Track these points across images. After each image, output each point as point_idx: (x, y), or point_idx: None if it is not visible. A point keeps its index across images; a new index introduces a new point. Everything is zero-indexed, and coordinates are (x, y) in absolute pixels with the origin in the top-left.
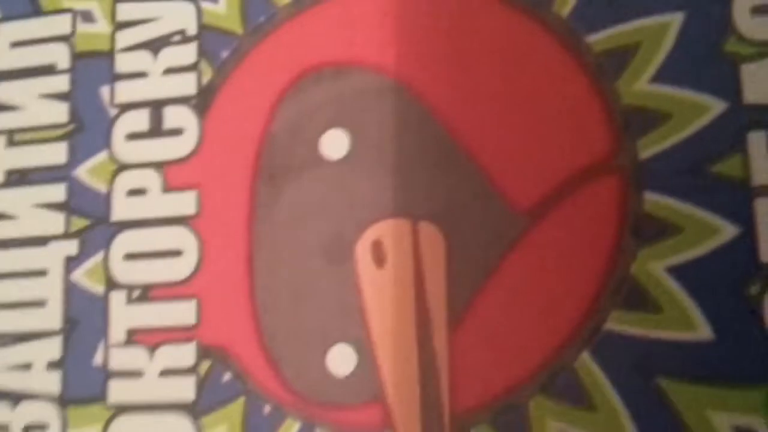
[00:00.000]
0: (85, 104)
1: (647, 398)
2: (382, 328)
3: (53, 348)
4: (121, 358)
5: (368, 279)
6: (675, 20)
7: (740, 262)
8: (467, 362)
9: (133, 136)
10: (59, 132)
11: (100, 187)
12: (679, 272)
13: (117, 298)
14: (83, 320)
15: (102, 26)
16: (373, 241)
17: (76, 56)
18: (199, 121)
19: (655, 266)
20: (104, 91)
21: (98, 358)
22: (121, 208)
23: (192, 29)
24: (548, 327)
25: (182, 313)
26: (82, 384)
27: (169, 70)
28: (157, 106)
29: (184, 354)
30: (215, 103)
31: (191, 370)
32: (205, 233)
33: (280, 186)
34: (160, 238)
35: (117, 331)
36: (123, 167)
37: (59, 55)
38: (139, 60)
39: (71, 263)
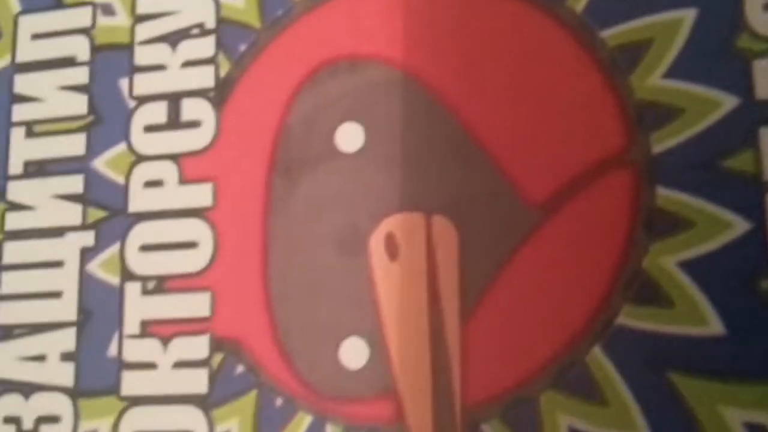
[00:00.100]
0: (103, 96)
1: (658, 393)
2: (394, 321)
3: (67, 339)
4: (135, 350)
5: (381, 272)
6: (688, 16)
7: (752, 257)
8: (479, 356)
9: (151, 129)
10: (78, 124)
11: (118, 178)
12: (690, 267)
13: (132, 290)
14: (98, 312)
15: (122, 19)
16: (386, 234)
17: (96, 49)
18: (216, 114)
19: (667, 261)
20: (123, 83)
21: (112, 350)
22: (138, 200)
23: (210, 23)
24: (560, 321)
25: (196, 305)
26: (96, 376)
27: (188, 63)
28: (175, 99)
29: (198, 346)
30: (232, 96)
31: (204, 362)
32: (221, 225)
33: (296, 179)
34: (176, 229)
35: (131, 322)
36: (140, 159)
37: (79, 48)
38: (158, 53)
39: (87, 254)
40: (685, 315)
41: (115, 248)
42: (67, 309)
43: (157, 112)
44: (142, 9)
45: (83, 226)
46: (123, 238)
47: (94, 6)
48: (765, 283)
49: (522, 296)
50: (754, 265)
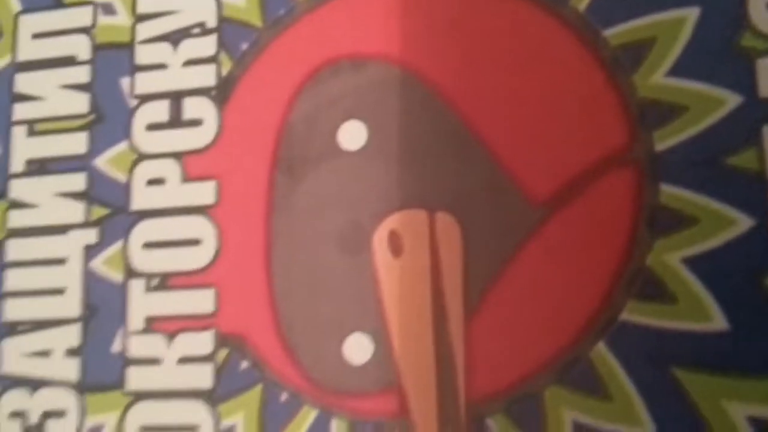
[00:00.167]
0: (105, 95)
1: (662, 388)
2: (398, 317)
3: (72, 335)
4: (140, 345)
5: (385, 269)
6: (691, 15)
7: (755, 254)
8: (483, 351)
9: (153, 127)
10: (80, 122)
11: (120, 176)
12: (694, 263)
13: (136, 286)
14: (102, 308)
15: (123, 18)
16: (389, 232)
17: (97, 48)
18: (218, 112)
19: (671, 257)
20: (124, 82)
21: (117, 346)
22: (141, 198)
23: (212, 22)
24: (564, 317)
25: (200, 301)
26: (101, 371)
27: (189, 62)
28: (176, 97)
29: (202, 342)
30: (234, 95)
31: (209, 357)
32: (224, 223)
33: (298, 176)
34: (179, 227)
35: (135, 318)
36: (142, 157)
37: (80, 47)
38: (159, 52)
39: (90, 252)
40: (688, 311)
41: (118, 245)
42: (71, 305)
43: (159, 111)
44: (143, 8)
45: (86, 224)
46: (126, 235)
47: (95, 5)
48: None
49: (526, 292)
50: (757, 261)
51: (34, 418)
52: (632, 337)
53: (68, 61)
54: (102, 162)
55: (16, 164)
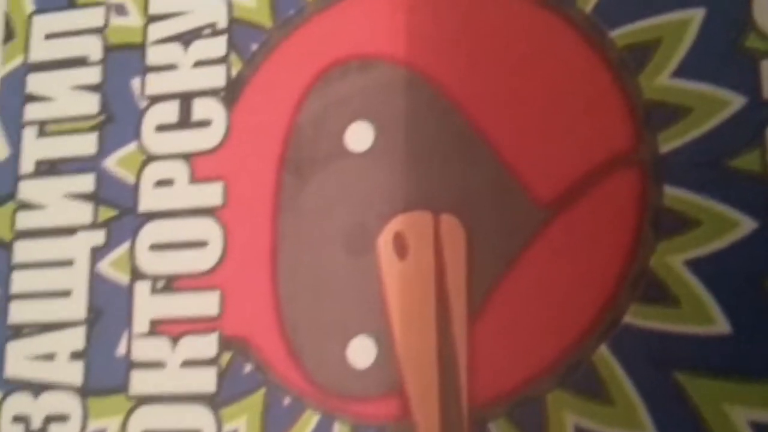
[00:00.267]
0: (115, 96)
1: (665, 392)
2: (402, 320)
3: (77, 338)
4: (144, 348)
5: (389, 271)
6: (696, 16)
7: (758, 256)
8: (486, 355)
9: (163, 128)
10: (89, 123)
11: (129, 177)
12: (697, 266)
13: (141, 289)
14: (107, 310)
15: (134, 19)
16: (394, 233)
17: (108, 48)
18: (227, 113)
19: (674, 260)
20: (135, 83)
21: (121, 349)
22: (149, 199)
23: (222, 23)
24: (567, 320)
25: (205, 304)
26: (105, 374)
27: (199, 63)
28: (186, 98)
29: (206, 345)
30: (243, 96)
31: (213, 361)
32: (231, 224)
33: (306, 178)
34: (186, 228)
35: (140, 321)
36: (151, 158)
37: (92, 48)
38: (170, 53)
39: (98, 253)
40: (691, 314)
41: (125, 247)
42: (76, 308)
43: (169, 112)
44: (154, 9)
45: (94, 225)
46: (133, 237)
47: (107, 6)
48: None
49: (529, 295)
50: (760, 264)
51: (36, 422)
52: (635, 340)
53: (80, 62)
54: (111, 163)
55: (26, 165)
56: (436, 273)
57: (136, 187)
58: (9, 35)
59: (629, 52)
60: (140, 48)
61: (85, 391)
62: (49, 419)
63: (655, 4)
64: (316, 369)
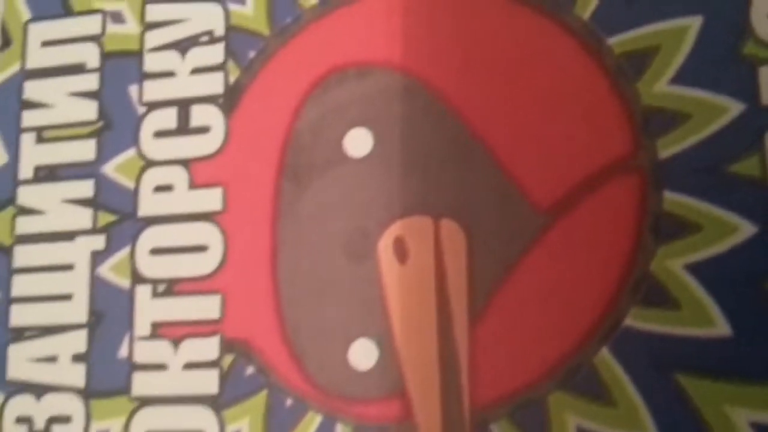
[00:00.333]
0: (113, 102)
1: (666, 394)
2: (403, 323)
3: (79, 341)
4: (146, 351)
5: (390, 275)
6: (694, 23)
7: (758, 260)
8: (487, 357)
9: (161, 134)
10: (88, 129)
11: (128, 183)
12: (697, 270)
13: (142, 292)
14: (109, 314)
15: (131, 27)
16: (395, 238)
17: (106, 56)
18: (225, 120)
19: (674, 264)
20: (133, 89)
21: (123, 351)
22: (148, 204)
23: (219, 30)
24: (568, 323)
25: (206, 307)
26: (107, 377)
27: (197, 70)
28: (184, 105)
29: (208, 348)
30: (242, 102)
31: (214, 363)
32: (230, 229)
33: (304, 183)
34: (186, 233)
35: (142, 324)
36: (150, 164)
37: (89, 55)
38: (168, 60)
39: (98, 258)
40: (692, 317)
41: (125, 252)
42: (78, 311)
43: (167, 118)
44: (151, 17)
45: (93, 230)
46: (133, 241)
47: (104, 14)
48: None
49: (530, 299)
50: (760, 267)
51: (39, 424)
52: (636, 343)
53: (77, 69)
54: (110, 169)
55: (25, 171)
56: (436, 277)
57: (135, 193)
58: (5, 42)
59: (627, 59)
60: (138, 55)
61: (87, 393)
62: (51, 421)
63: (653, 12)
64: (318, 371)
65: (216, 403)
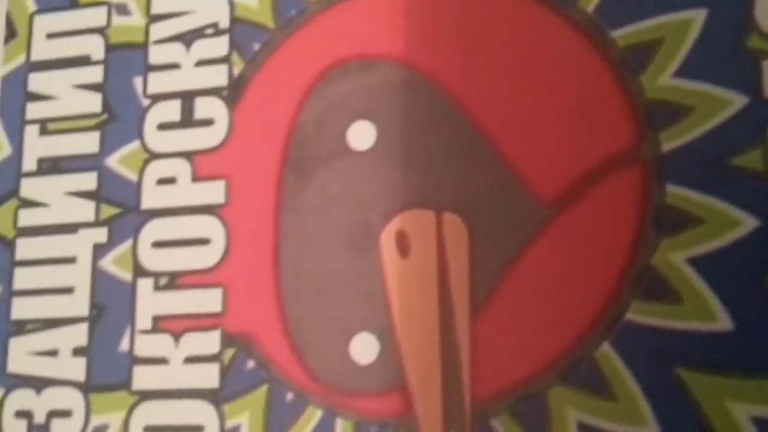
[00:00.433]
0: (118, 95)
1: (667, 388)
2: (405, 317)
3: (79, 334)
4: (147, 345)
5: (392, 269)
6: (698, 16)
7: (760, 254)
8: (489, 351)
9: (165, 126)
10: (92, 122)
11: (131, 176)
12: (699, 263)
13: (144, 286)
14: (110, 307)
15: (137, 19)
16: (397, 231)
17: (111, 48)
18: (229, 112)
19: (676, 257)
20: (137, 82)
21: (124, 345)
22: (151, 197)
23: (224, 22)
24: (569, 317)
25: (208, 301)
26: (107, 370)
27: (201, 62)
28: (188, 97)
29: (209, 341)
30: (246, 95)
31: (215, 357)
32: (233, 222)
33: (308, 176)
34: (189, 226)
35: (143, 318)
36: (154, 156)
37: (94, 47)
38: (172, 52)
39: (100, 250)
40: (693, 311)
41: (127, 244)
42: (79, 304)
43: (171, 111)
44: (156, 9)
45: (96, 223)
46: (135, 234)
47: (109, 6)
48: None
49: (532, 292)
50: (762, 261)
51: (39, 418)
52: (637, 336)
53: (82, 61)
54: (113, 161)
55: (28, 163)
56: (438, 270)
57: (138, 185)
58: (11, 34)
59: (631, 52)
60: (143, 47)
61: (87, 387)
62: (51, 415)
63: (657, 5)
64: (318, 365)
65: (216, 397)
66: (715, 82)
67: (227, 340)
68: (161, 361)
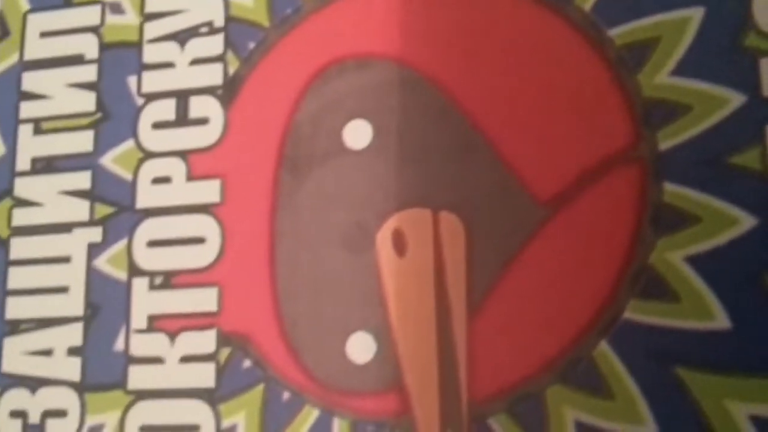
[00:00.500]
0: (112, 94)
1: (665, 387)
2: (401, 316)
3: (74, 334)
4: (142, 344)
5: (389, 268)
6: (695, 15)
7: (758, 253)
8: (486, 351)
9: (159, 125)
10: (86, 121)
11: (126, 175)
12: (697, 262)
13: (139, 285)
14: (105, 306)
15: (131, 18)
16: (394, 230)
17: (105, 46)
18: (224, 111)
19: (674, 256)
20: (131, 80)
21: (119, 345)
22: (146, 196)
23: (219, 21)
24: (566, 316)
25: (203, 300)
26: (102, 370)
27: (196, 61)
28: (183, 96)
29: (205, 341)
30: (241, 94)
31: (211, 357)
32: (228, 221)
33: (303, 175)
34: (184, 225)
35: (138, 317)
36: (148, 155)
37: (88, 46)
38: (167, 51)
39: (95, 250)
40: (691, 309)
41: (122, 244)
42: (74, 304)
43: (166, 109)
44: (151, 7)
45: (91, 222)
46: (130, 233)
47: (103, 4)
48: None
49: (529, 291)
50: (760, 260)
51: (34, 418)
52: (635, 335)
53: (76, 60)
54: (108, 160)
55: (22, 162)
56: (435, 270)
57: (133, 185)
58: (4, 33)
59: (628, 50)
60: (137, 46)
61: (82, 387)
62: (46, 415)
63: (654, 3)
64: (315, 364)
65: (212, 396)
66: (713, 81)
67: (223, 340)
68: (157, 360)
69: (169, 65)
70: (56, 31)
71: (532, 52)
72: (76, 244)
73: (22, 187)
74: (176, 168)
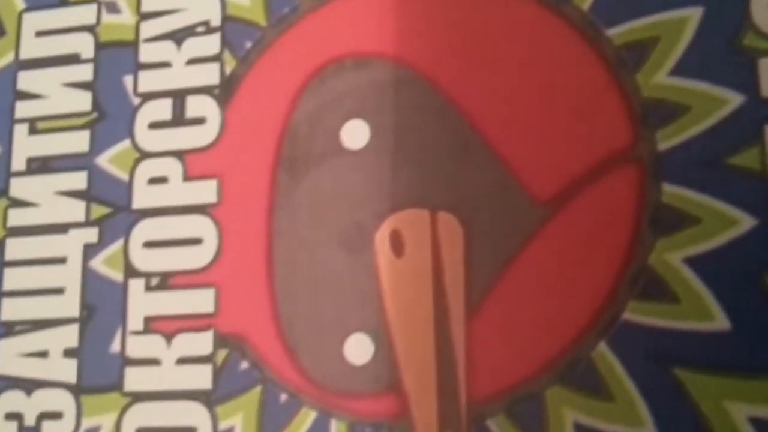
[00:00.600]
0: (108, 93)
1: (664, 388)
2: (399, 317)
3: (70, 336)
4: (139, 346)
5: (386, 269)
6: (694, 15)
7: (757, 253)
8: (484, 352)
9: (156, 125)
10: (82, 120)
11: (122, 175)
12: (696, 263)
13: (135, 286)
14: (101, 308)
15: (127, 17)
16: (391, 231)
17: (100, 46)
18: (221, 111)
19: (673, 257)
20: (127, 80)
21: (115, 346)
22: (142, 197)
23: (216, 20)
24: (565, 317)
25: (200, 301)
26: (99, 372)
27: (193, 61)
28: (179, 96)
29: (202, 342)
30: (238, 93)
31: (208, 358)
32: (225, 222)
33: (301, 175)
34: (180, 226)
35: (135, 318)
36: (145, 156)
37: (84, 45)
38: (163, 50)
39: (90, 251)
40: (690, 311)
41: (118, 244)
42: (70, 305)
43: (162, 109)
44: (147, 7)
45: (86, 223)
46: (127, 234)
47: (99, 4)
48: None
49: (528, 292)
50: (759, 261)
51: (30, 420)
52: (634, 337)
53: (71, 59)
54: (104, 160)
55: (18, 162)
56: (433, 271)
57: (129, 185)
58: None
59: (627, 50)
60: (133, 45)
61: (78, 389)
62: (42, 417)
63: (653, 3)
64: (312, 366)
65: (209, 398)
66: (712, 81)
67: (220, 341)
68: (153, 362)
69: (165, 65)
70: (52, 30)
71: (531, 51)
72: (72, 244)
73: (18, 187)
74: (173, 168)
